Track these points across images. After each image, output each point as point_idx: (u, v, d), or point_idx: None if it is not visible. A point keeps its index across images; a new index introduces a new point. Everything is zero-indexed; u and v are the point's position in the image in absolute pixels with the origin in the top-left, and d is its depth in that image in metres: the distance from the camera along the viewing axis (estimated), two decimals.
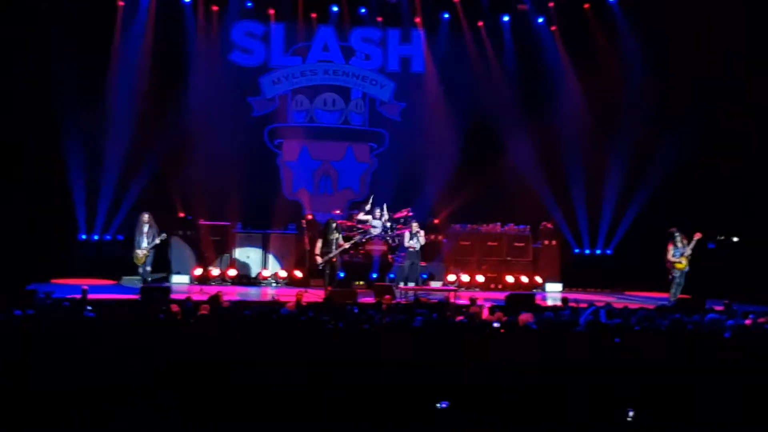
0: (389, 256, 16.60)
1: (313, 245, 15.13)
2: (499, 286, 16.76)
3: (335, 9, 18.61)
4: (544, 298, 15.38)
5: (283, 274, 16.72)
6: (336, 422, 5.47)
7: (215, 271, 16.48)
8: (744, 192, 16.41)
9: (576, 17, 18.44)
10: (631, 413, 5.79)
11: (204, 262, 16.58)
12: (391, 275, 16.07)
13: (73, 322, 8.13)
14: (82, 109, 16.36)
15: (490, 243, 17.38)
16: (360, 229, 16.44)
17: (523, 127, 18.13)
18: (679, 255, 14.47)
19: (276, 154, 18.71)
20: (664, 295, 14.72)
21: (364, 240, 16.36)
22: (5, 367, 5.77)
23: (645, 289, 16.60)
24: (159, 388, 5.58)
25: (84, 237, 16.93)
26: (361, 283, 16.08)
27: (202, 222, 16.81)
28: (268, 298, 13.60)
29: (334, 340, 7.31)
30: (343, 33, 18.84)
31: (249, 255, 17.00)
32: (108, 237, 17.00)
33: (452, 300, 13.12)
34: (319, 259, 14.67)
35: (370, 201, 16.79)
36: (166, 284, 14.98)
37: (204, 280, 16.28)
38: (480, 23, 18.81)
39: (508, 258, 17.33)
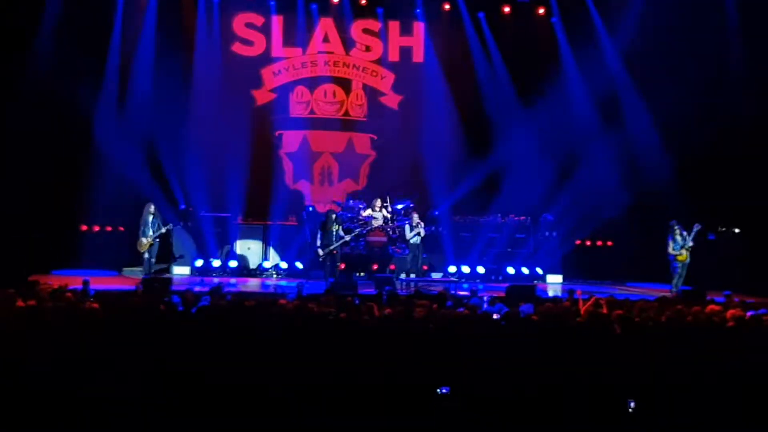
0: (390, 248, 16.60)
1: (314, 237, 15.13)
2: (500, 278, 16.77)
3: (335, 0, 18.58)
4: (545, 290, 15.39)
5: (284, 265, 16.75)
6: (336, 419, 5.49)
7: (216, 263, 16.50)
8: (745, 182, 16.36)
9: (577, 8, 18.36)
10: (632, 404, 5.81)
11: (205, 254, 16.59)
12: (392, 267, 16.07)
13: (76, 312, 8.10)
14: (84, 98, 16.32)
15: (490, 234, 17.38)
16: (360, 220, 16.45)
17: (524, 117, 18.11)
18: (679, 248, 14.52)
19: (277, 146, 18.70)
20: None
21: (364, 232, 16.36)
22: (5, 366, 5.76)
23: (646, 280, 16.60)
24: (158, 384, 5.58)
25: (85, 228, 16.93)
26: (362, 274, 16.10)
27: (203, 213, 16.83)
28: (270, 289, 13.62)
29: (335, 331, 7.31)
30: (343, 24, 18.79)
31: (250, 246, 17.01)
32: (109, 228, 17.00)
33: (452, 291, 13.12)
34: (320, 251, 14.67)
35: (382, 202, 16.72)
36: (168, 275, 15.01)
37: (205, 271, 16.30)
38: (480, 13, 18.75)
39: (509, 249, 17.33)
